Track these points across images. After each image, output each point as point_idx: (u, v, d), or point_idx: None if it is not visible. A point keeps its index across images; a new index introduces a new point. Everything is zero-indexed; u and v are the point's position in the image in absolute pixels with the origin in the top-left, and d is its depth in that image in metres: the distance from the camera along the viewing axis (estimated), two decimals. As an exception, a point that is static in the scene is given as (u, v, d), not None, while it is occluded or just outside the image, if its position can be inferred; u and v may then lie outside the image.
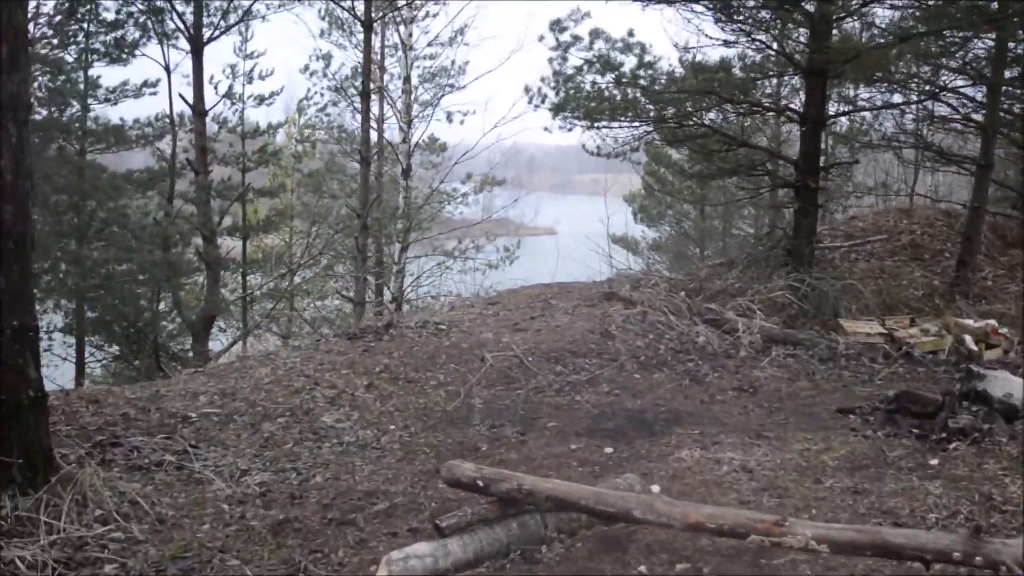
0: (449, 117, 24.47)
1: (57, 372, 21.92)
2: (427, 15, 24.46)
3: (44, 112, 20.23)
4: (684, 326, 10.30)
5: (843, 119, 15.67)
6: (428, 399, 8.18)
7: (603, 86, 11.56)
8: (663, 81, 11.36)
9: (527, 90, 12.20)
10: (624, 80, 11.31)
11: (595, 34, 11.26)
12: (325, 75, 24.32)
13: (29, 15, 19.65)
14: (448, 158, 26.35)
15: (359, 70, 23.23)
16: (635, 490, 5.46)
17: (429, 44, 24.62)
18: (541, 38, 11.57)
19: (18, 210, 5.40)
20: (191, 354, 18.17)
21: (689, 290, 11.70)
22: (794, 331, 10.49)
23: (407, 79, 24.12)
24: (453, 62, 24.55)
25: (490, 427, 7.56)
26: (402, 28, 23.99)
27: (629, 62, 11.32)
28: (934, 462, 6.29)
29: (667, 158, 24.23)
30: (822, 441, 6.84)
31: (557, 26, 11.38)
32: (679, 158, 23.09)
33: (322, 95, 25.16)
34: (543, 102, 12.14)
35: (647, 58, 11.25)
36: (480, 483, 5.06)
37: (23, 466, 5.44)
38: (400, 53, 24.38)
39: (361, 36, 22.14)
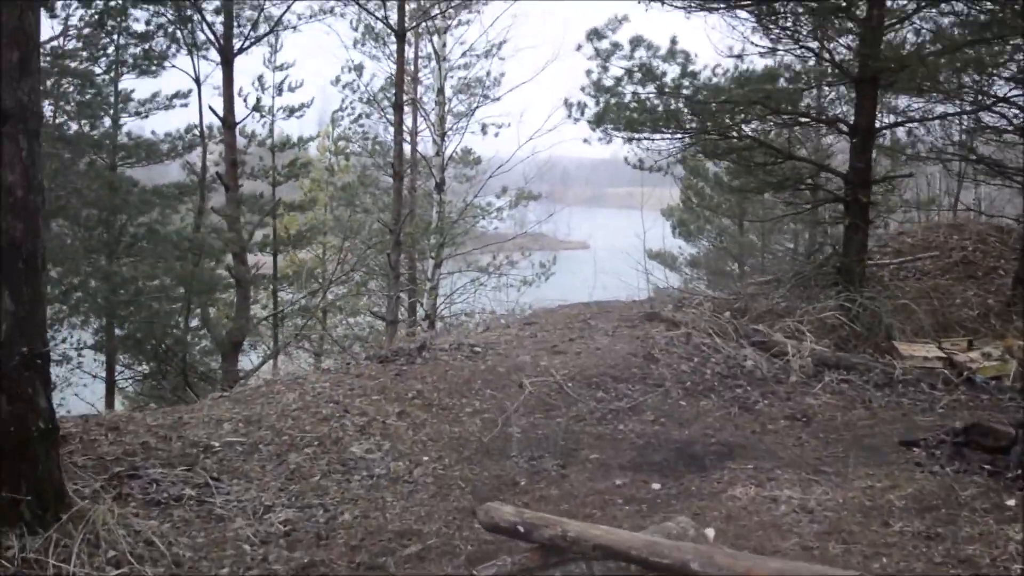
0: (484, 129, 24.22)
1: (87, 391, 21.76)
2: (460, 23, 24.23)
3: (75, 126, 20.16)
4: (730, 349, 9.81)
5: (886, 131, 15.03)
6: (463, 428, 7.75)
7: (644, 96, 11.10)
8: (707, 91, 10.86)
9: (567, 102, 11.76)
10: (667, 90, 10.85)
11: (636, 42, 10.78)
12: (357, 87, 24.16)
13: (59, 28, 19.77)
14: (482, 171, 26.06)
15: (392, 81, 22.98)
16: (688, 535, 5.02)
17: (463, 55, 24.35)
18: (579, 47, 11.14)
19: (29, 227, 5.07)
20: (220, 373, 17.86)
21: (734, 310, 11.19)
22: (847, 354, 9.93)
23: (440, 90, 23.81)
24: (488, 73, 24.26)
25: (529, 459, 7.12)
26: (435, 38, 23.71)
27: (672, 71, 10.87)
28: (1011, 503, 5.80)
29: (705, 171, 23.73)
30: (886, 477, 6.36)
31: (595, 35, 10.92)
32: (718, 171, 22.61)
33: (354, 107, 25.02)
34: (582, 114, 11.72)
35: (691, 67, 10.78)
36: (521, 528, 4.65)
37: (32, 503, 5.08)
38: (433, 64, 24.11)
39: (395, 47, 21.93)
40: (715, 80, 11.06)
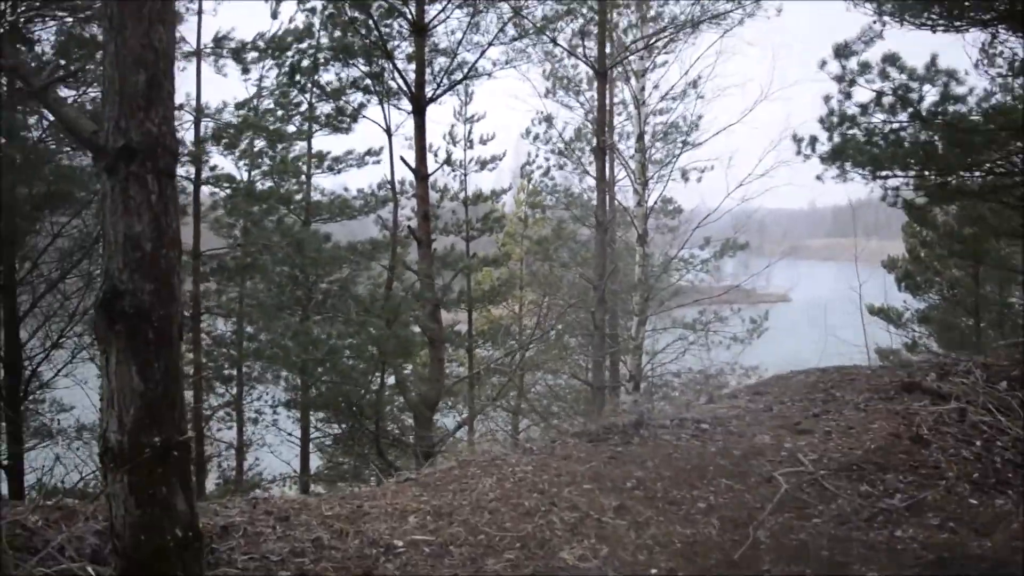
0: (684, 175, 22.58)
1: (283, 448, 21.62)
2: (657, 66, 22.96)
3: (268, 183, 20.20)
4: (1019, 429, 7.96)
5: None
6: (697, 530, 6.28)
7: (895, 126, 9.43)
8: (978, 118, 9.07)
9: (795, 137, 10.27)
10: (923, 117, 9.14)
11: (889, 60, 9.13)
12: (549, 138, 23.35)
13: (254, 89, 19.86)
14: (684, 221, 24.66)
15: (583, 131, 22.02)
16: None
17: (662, 98, 22.99)
18: (823, 64, 9.58)
19: (159, 289, 4.04)
20: (411, 439, 16.96)
21: (1011, 379, 9.27)
22: None
23: (640, 136, 22.48)
24: (688, 116, 22.76)
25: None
26: (633, 81, 22.49)
27: (930, 96, 9.17)
28: None
29: (933, 218, 21.32)
30: None
31: (844, 51, 9.33)
32: (947, 219, 20.36)
33: (547, 159, 24.27)
34: (813, 149, 10.18)
35: (954, 90, 9.04)
36: None
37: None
38: (632, 108, 22.88)
39: (588, 93, 20.98)
40: (982, 105, 9.27)
